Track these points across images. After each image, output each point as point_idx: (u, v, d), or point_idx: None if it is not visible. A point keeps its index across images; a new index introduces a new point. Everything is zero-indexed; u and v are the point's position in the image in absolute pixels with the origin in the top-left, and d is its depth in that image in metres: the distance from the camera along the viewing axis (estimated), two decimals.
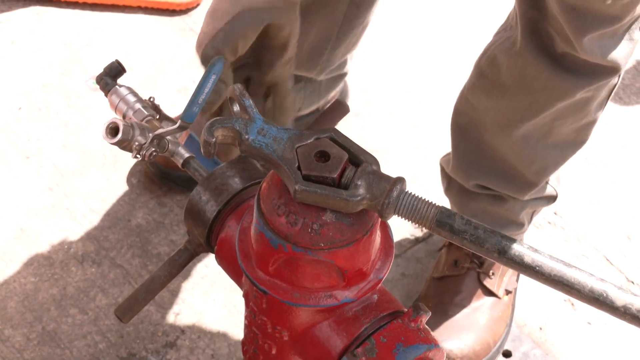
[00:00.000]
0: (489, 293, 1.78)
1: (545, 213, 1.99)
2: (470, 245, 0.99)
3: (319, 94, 1.93)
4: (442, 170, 1.80)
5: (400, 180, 1.00)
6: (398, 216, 1.02)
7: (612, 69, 1.46)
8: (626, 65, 1.48)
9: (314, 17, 1.74)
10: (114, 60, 1.31)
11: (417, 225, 1.01)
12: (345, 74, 1.94)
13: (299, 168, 1.01)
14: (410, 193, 1.01)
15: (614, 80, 1.52)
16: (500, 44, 1.53)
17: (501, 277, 1.79)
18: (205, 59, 1.26)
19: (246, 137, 1.03)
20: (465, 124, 1.67)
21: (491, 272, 1.78)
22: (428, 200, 1.01)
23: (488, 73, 1.57)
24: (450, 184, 1.78)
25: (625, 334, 1.84)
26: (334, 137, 1.04)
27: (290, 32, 1.28)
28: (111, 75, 1.31)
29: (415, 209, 1.00)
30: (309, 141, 1.03)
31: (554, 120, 1.56)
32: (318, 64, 1.81)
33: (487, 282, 1.78)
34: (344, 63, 1.90)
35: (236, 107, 1.07)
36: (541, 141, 1.60)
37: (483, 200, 1.73)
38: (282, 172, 1.01)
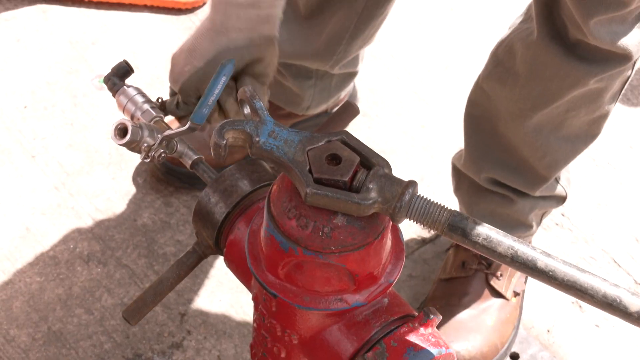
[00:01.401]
0: (497, 294, 1.78)
1: (553, 215, 1.98)
2: (483, 250, 0.99)
3: (329, 93, 1.92)
4: (453, 168, 1.79)
5: (413, 184, 1.00)
6: (410, 220, 1.01)
7: (624, 57, 1.46)
8: (639, 54, 1.48)
9: (336, 7, 1.74)
10: (122, 60, 1.30)
11: (429, 228, 1.00)
12: (355, 73, 1.93)
13: (310, 171, 1.00)
14: (422, 197, 1.00)
15: (628, 72, 1.52)
16: (519, 33, 1.54)
17: (509, 279, 1.79)
18: (184, 95, 1.29)
19: (257, 139, 1.02)
20: (479, 116, 1.67)
21: (499, 273, 1.78)
22: (440, 204, 1.00)
23: (504, 61, 1.57)
24: (460, 182, 1.77)
25: (633, 336, 1.84)
26: (346, 140, 1.03)
27: (269, 62, 1.29)
28: (119, 76, 1.31)
29: (428, 213, 0.99)
30: (320, 144, 1.02)
31: (567, 112, 1.56)
32: (334, 54, 1.81)
33: (495, 284, 1.77)
34: (357, 59, 1.89)
35: (247, 110, 1.06)
36: (553, 133, 1.60)
37: (492, 201, 1.72)
38: (293, 175, 1.01)
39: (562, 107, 1.55)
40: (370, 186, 1.00)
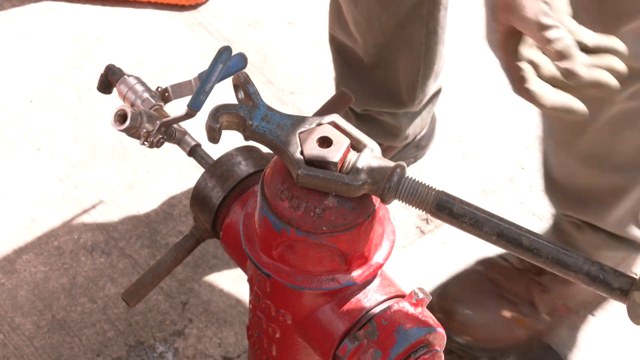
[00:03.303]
0: None
1: None
2: (469, 229, 1.01)
3: (421, 116, 1.92)
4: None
5: (401, 166, 1.02)
6: (399, 200, 1.04)
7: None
8: None
9: (396, 54, 1.75)
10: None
11: (417, 209, 1.03)
12: (440, 90, 1.91)
13: (301, 153, 1.03)
14: (411, 177, 1.03)
15: None
16: None
17: None
18: None
19: (250, 123, 1.05)
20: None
21: None
22: (428, 185, 1.03)
23: None
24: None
25: (628, 325, 1.85)
26: (336, 123, 1.06)
27: None
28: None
29: (416, 193, 1.02)
30: (311, 127, 1.05)
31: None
32: (415, 97, 1.82)
33: None
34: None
35: (240, 94, 1.09)
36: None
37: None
38: (285, 157, 1.04)
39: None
40: (360, 167, 1.03)
